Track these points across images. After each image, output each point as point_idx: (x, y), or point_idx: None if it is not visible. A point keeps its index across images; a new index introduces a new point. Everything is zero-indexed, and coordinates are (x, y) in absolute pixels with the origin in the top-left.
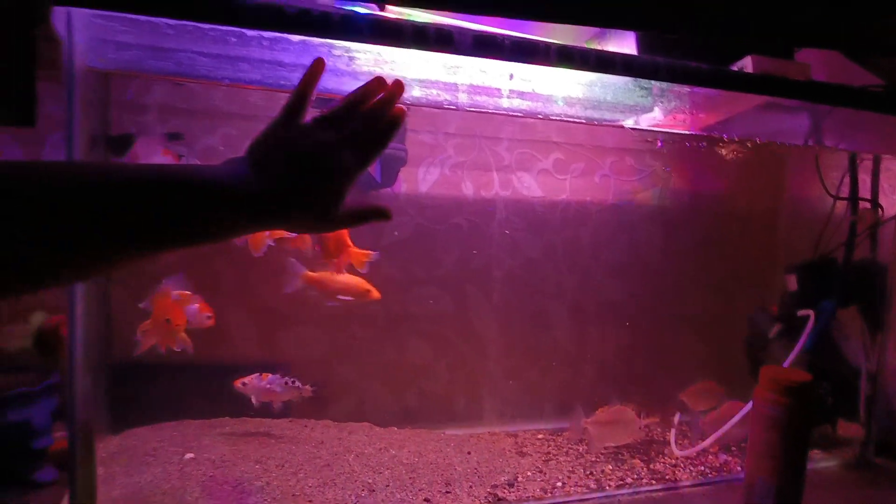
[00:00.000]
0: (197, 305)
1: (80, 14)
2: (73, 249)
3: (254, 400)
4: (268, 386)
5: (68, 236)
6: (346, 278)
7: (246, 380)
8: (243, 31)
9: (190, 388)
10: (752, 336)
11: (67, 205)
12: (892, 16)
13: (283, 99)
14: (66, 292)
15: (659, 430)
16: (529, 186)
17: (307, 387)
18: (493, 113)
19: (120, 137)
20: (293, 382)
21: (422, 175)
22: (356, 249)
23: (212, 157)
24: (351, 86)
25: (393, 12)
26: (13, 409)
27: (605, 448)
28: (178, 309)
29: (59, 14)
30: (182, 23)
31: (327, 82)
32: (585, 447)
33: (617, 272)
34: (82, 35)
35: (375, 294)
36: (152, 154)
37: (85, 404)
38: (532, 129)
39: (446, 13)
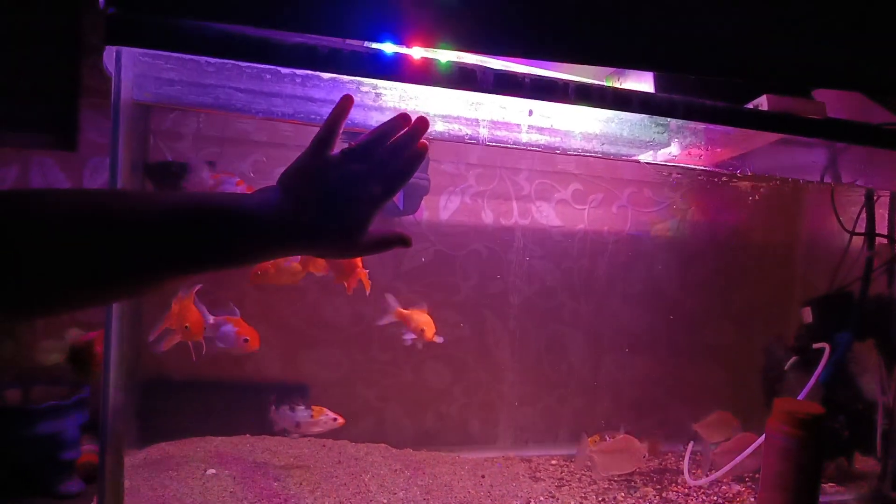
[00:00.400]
0: (233, 326)
1: (129, 52)
2: (112, 273)
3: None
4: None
5: (109, 260)
6: (426, 318)
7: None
8: (278, 68)
9: (213, 404)
10: (768, 367)
11: (109, 230)
12: None
13: (310, 129)
14: (104, 311)
15: (672, 458)
16: (548, 216)
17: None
18: (512, 147)
19: (174, 165)
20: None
21: (443, 203)
22: (363, 270)
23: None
24: (377, 120)
25: (419, 51)
26: (45, 421)
27: (614, 476)
28: (195, 314)
29: (108, 52)
30: (222, 60)
31: (355, 116)
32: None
33: (633, 301)
34: (130, 71)
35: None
36: (227, 184)
37: (116, 418)
38: (551, 160)
39: (469, 51)
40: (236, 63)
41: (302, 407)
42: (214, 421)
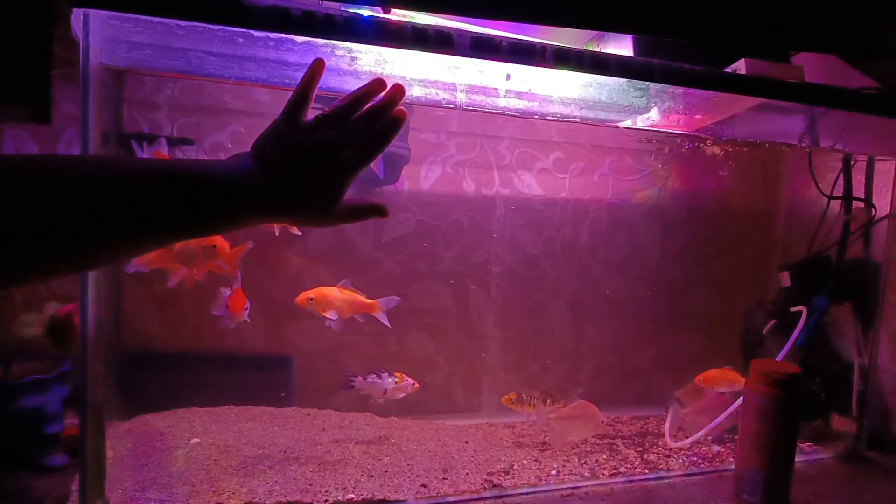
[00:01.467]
0: (229, 292)
1: (96, 15)
2: (87, 238)
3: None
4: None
5: (80, 226)
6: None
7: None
8: (251, 31)
9: (197, 376)
10: (748, 332)
11: (78, 195)
12: (888, 18)
13: (288, 96)
14: (78, 281)
15: (654, 421)
16: (529, 185)
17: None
18: (490, 112)
19: (146, 137)
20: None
21: (424, 173)
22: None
23: (220, 153)
24: (353, 85)
25: (396, 14)
26: (27, 396)
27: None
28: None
29: (76, 15)
30: (192, 23)
31: (330, 81)
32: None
33: (615, 269)
34: (98, 35)
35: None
36: None
37: (95, 389)
38: (533, 128)
39: (448, 16)
40: (208, 26)
41: (386, 374)
42: (199, 393)
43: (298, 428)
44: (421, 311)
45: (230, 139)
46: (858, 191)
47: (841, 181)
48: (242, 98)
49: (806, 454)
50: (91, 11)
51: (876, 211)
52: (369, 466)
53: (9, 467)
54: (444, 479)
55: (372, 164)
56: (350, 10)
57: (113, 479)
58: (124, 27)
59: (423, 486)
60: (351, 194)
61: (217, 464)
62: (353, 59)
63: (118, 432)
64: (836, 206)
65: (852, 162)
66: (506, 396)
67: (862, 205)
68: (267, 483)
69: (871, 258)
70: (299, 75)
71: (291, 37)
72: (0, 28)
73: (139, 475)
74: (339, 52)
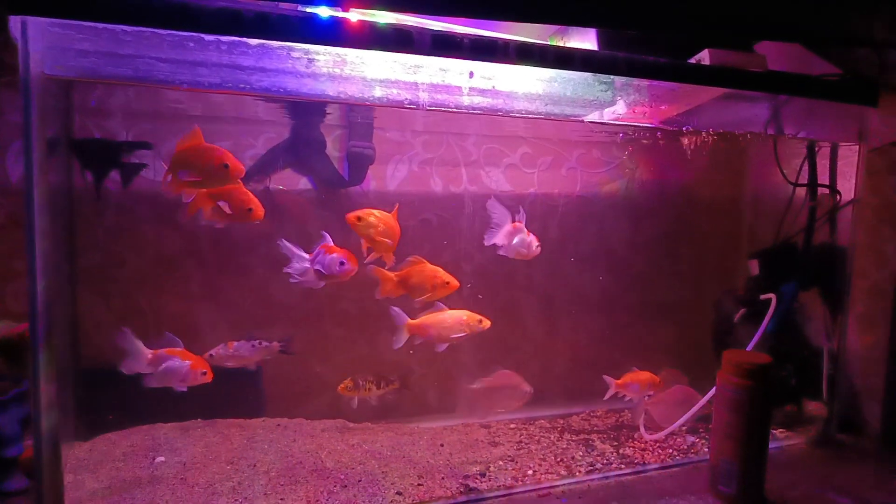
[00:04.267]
0: (189, 363)
1: (35, 22)
2: None
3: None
4: (237, 353)
5: None
6: (454, 315)
7: (213, 351)
8: (202, 35)
9: (161, 390)
10: (718, 321)
11: None
12: (850, 6)
13: (244, 99)
14: (27, 298)
15: (629, 415)
16: (497, 181)
17: (274, 343)
18: (454, 112)
19: (133, 166)
20: (260, 343)
21: (390, 172)
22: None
23: None
24: (310, 87)
25: (356, 13)
26: None
27: (578, 436)
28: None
29: (13, 22)
30: (139, 29)
31: (287, 84)
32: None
33: (585, 263)
34: (39, 43)
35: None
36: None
37: (49, 413)
38: (499, 124)
39: (410, 13)
40: (156, 31)
41: (239, 342)
42: (163, 407)
43: (268, 439)
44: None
45: None
46: (823, 177)
47: (806, 168)
48: (200, 102)
49: (778, 440)
50: (30, 19)
51: (841, 196)
52: (343, 476)
53: None
54: (419, 485)
55: (336, 166)
56: (307, 10)
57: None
58: (66, 34)
59: (399, 493)
60: (318, 196)
61: (184, 482)
62: (310, 60)
63: (78, 454)
64: (801, 192)
65: (816, 148)
66: (341, 385)
67: (827, 191)
68: (236, 500)
69: (837, 243)
70: (254, 79)
71: (245, 39)
72: None
73: (102, 500)
74: (295, 54)
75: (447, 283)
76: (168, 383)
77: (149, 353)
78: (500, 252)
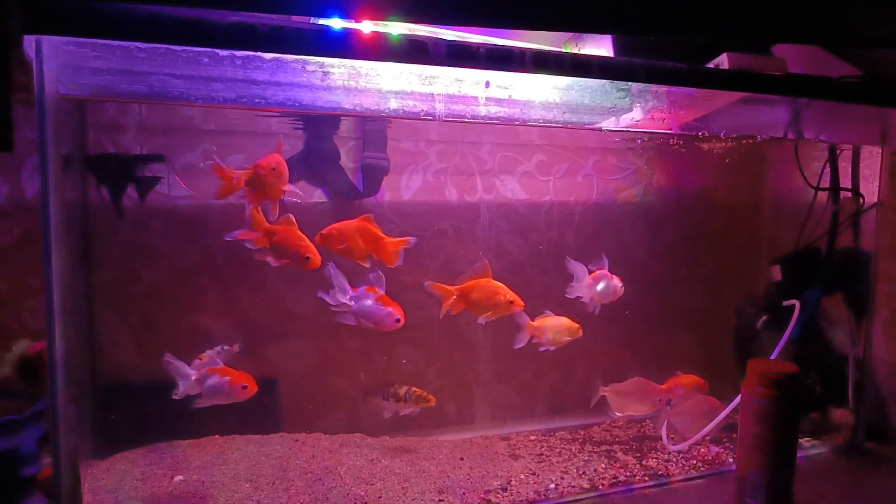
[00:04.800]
0: (228, 378)
1: (50, 41)
2: None
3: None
4: (211, 362)
5: None
6: (563, 321)
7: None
8: (216, 51)
9: (178, 406)
10: (740, 328)
11: None
12: (868, 6)
13: (258, 113)
14: (44, 315)
15: (650, 425)
16: (513, 189)
17: (234, 346)
18: (470, 122)
19: (148, 180)
20: (223, 348)
21: (405, 182)
22: (390, 240)
23: (191, 174)
24: (326, 100)
25: (369, 24)
26: (0, 438)
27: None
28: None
29: (28, 41)
30: (153, 46)
31: (302, 97)
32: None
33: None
34: (53, 62)
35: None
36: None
37: (68, 430)
38: (514, 132)
39: (423, 24)
40: (170, 47)
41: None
42: (180, 424)
43: (287, 456)
44: (408, 324)
45: (201, 158)
46: (845, 180)
47: (828, 171)
48: (213, 116)
49: (804, 449)
50: (44, 38)
51: (864, 200)
52: (362, 493)
53: None
54: (440, 500)
55: (351, 177)
56: (320, 23)
57: None
58: (81, 52)
59: None
60: (332, 208)
61: (203, 502)
62: (325, 73)
63: (96, 473)
64: (823, 196)
65: (838, 151)
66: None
67: (849, 194)
68: None
69: (861, 247)
70: (269, 93)
71: (259, 54)
72: None
73: None
74: (310, 68)
75: (511, 301)
76: (216, 401)
77: (193, 374)
78: (585, 300)
